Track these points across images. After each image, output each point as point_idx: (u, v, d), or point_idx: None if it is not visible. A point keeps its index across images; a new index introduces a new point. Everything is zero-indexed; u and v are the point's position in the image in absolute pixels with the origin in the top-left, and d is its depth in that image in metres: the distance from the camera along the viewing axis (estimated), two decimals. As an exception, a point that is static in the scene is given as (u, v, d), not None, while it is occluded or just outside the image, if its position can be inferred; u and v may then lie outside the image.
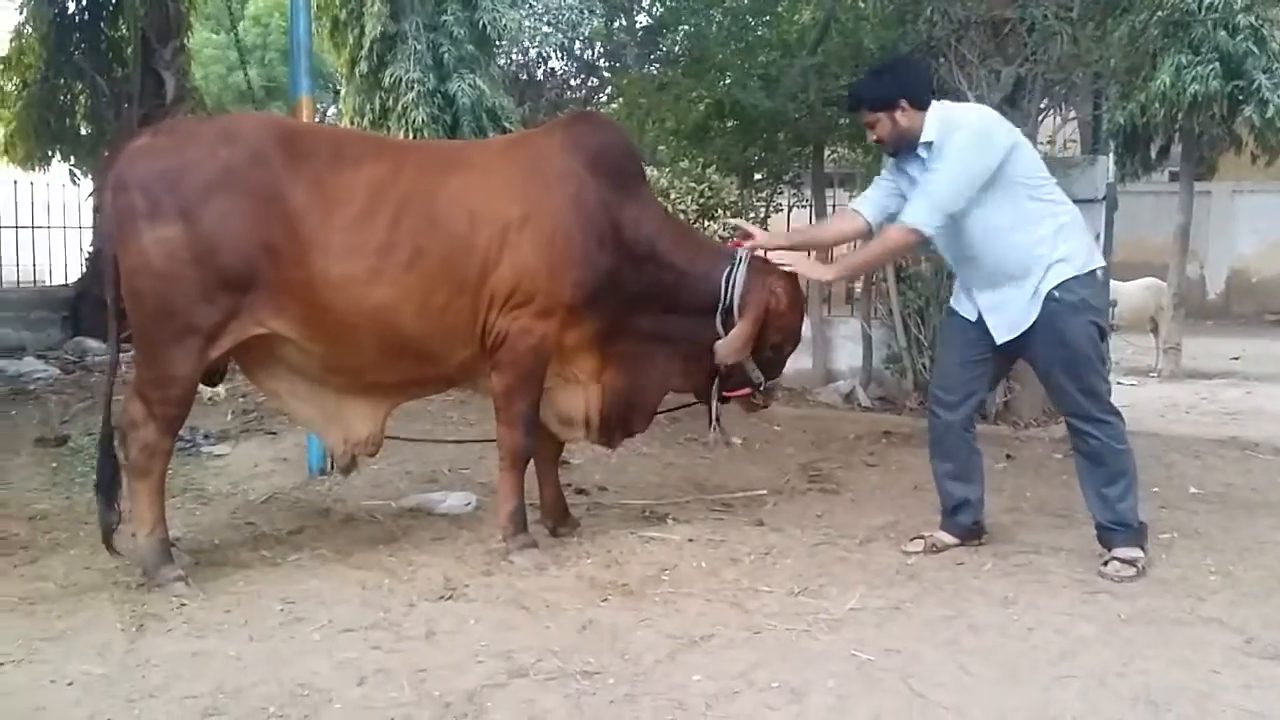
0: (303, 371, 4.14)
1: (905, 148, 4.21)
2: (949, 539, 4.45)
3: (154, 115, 9.70)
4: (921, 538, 4.46)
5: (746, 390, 4.56)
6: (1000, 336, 4.20)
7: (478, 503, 5.02)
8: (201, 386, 4.26)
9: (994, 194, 4.06)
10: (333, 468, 5.31)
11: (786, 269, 4.37)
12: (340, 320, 3.93)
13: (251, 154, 3.86)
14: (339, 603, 3.73)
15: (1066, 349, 4.09)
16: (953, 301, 4.46)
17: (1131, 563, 4.10)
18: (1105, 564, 4.12)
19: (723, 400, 4.56)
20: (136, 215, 3.76)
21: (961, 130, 4.07)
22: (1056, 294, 4.06)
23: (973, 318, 4.29)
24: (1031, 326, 4.12)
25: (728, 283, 4.33)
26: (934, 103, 4.19)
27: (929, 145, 4.11)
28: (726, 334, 4.31)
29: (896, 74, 4.35)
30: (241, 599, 3.76)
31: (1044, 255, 4.08)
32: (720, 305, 4.34)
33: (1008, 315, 4.17)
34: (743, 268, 4.36)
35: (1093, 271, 4.16)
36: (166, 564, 3.88)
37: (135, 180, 3.80)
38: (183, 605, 3.67)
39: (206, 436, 6.18)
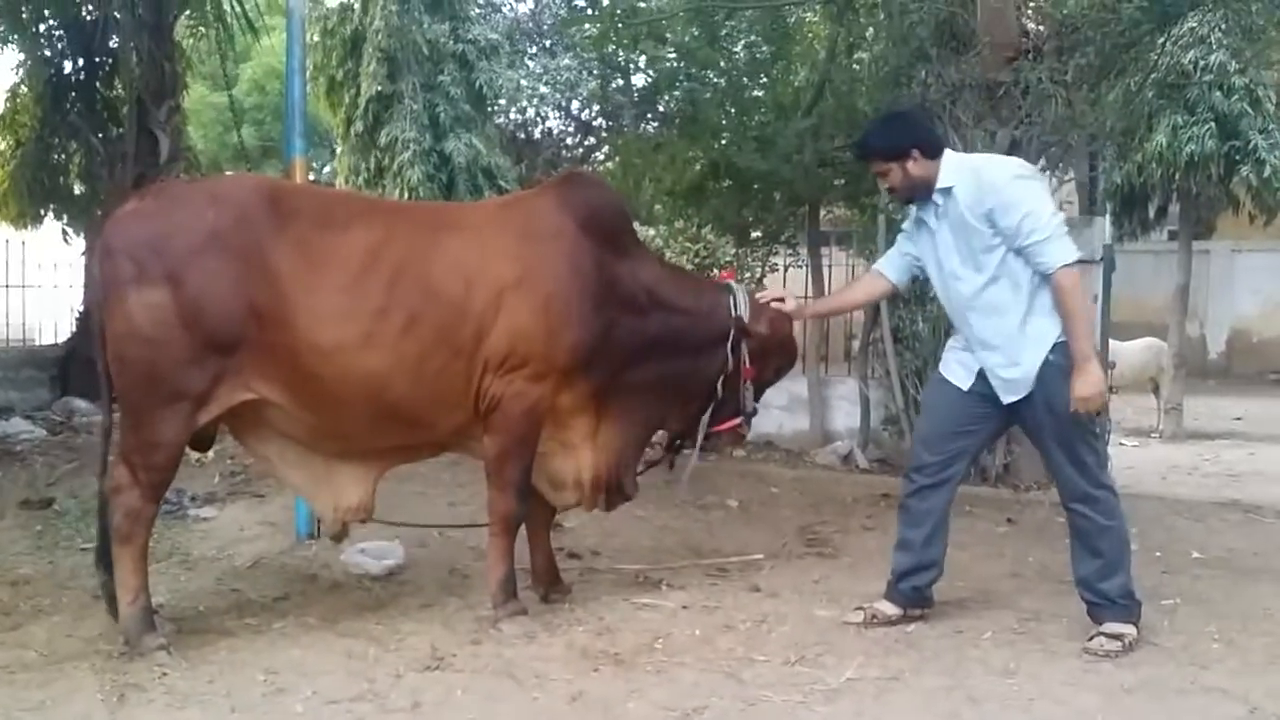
0: (292, 437, 4.09)
1: (920, 196, 4.16)
2: (891, 609, 4.28)
3: (148, 175, 9.71)
4: (862, 608, 4.33)
5: (736, 420, 4.58)
6: (1005, 397, 4.06)
7: (404, 557, 4.99)
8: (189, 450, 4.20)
9: (1009, 250, 3.99)
10: (320, 534, 5.23)
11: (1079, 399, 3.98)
12: (329, 386, 3.88)
13: (237, 216, 3.83)
14: (323, 673, 3.65)
15: (1055, 417, 3.97)
16: (943, 368, 4.31)
17: (1117, 638, 3.96)
18: (1091, 639, 4.00)
19: (710, 435, 4.58)
20: (123, 280, 3.73)
21: (998, 167, 4.06)
22: (1051, 357, 3.96)
23: (965, 386, 4.16)
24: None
25: (733, 308, 4.43)
26: (947, 151, 4.16)
27: (947, 191, 4.05)
28: (735, 362, 4.41)
29: (906, 123, 4.34)
30: (224, 668, 3.69)
31: (1046, 318, 3.98)
32: (730, 333, 4.39)
33: (1011, 378, 4.03)
34: (743, 295, 4.49)
35: None
36: (149, 632, 3.80)
37: (122, 245, 3.79)
38: (164, 675, 3.59)
39: (193, 499, 6.10)
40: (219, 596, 4.57)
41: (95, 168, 10.70)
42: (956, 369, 4.23)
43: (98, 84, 10.80)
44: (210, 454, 5.73)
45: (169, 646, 3.78)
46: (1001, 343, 4.05)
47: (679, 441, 4.71)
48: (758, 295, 4.63)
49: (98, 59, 10.72)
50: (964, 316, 4.18)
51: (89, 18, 10.39)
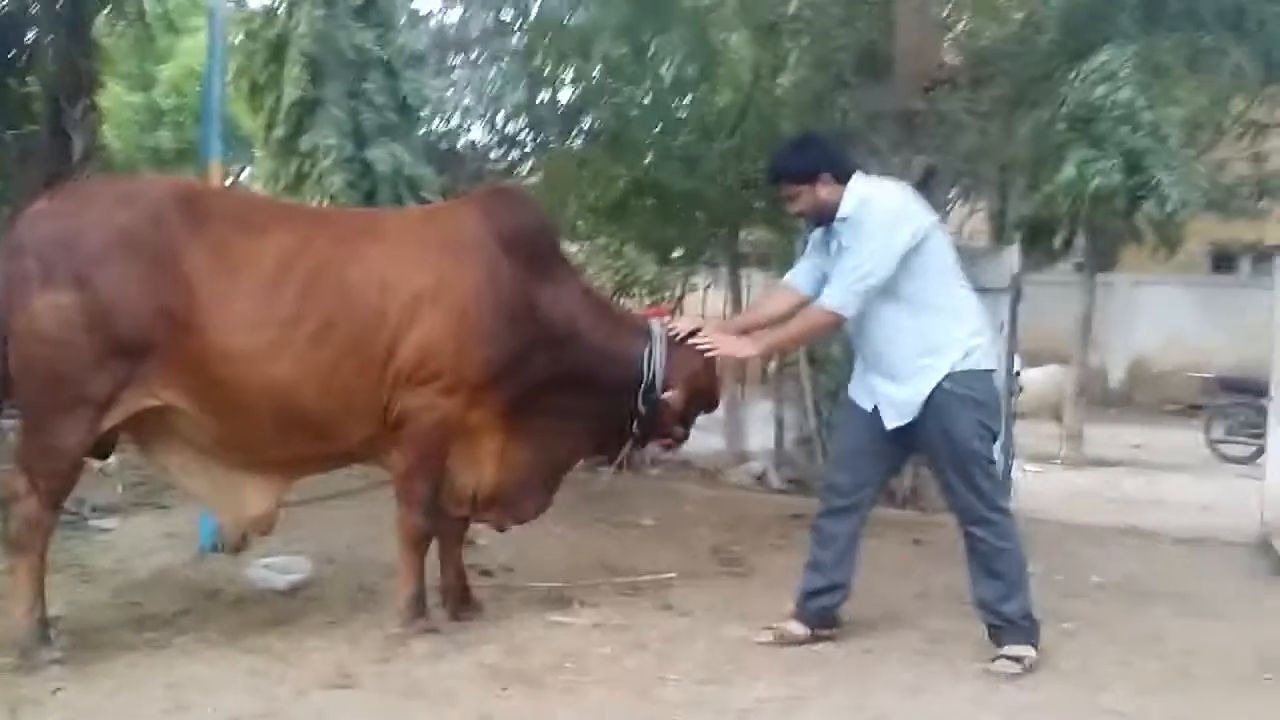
0: (195, 445, 4.00)
1: (828, 219, 4.18)
2: (799, 630, 4.32)
3: (61, 174, 9.48)
4: (771, 628, 4.36)
5: (667, 441, 4.68)
6: (890, 422, 4.14)
7: (311, 572, 4.92)
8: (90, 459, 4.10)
9: (903, 277, 4.04)
10: (223, 546, 5.14)
11: (708, 349, 4.34)
12: (237, 393, 3.82)
13: (150, 217, 3.76)
14: (225, 690, 3.58)
15: (951, 443, 4.06)
16: (850, 390, 4.38)
17: (1018, 660, 4.04)
18: (993, 660, 4.08)
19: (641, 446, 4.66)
20: (29, 279, 3.64)
21: (878, 208, 4.05)
22: (945, 384, 4.03)
23: (869, 408, 4.24)
24: (920, 416, 4.09)
25: (647, 362, 4.33)
26: (857, 175, 4.17)
27: (844, 221, 4.09)
28: (646, 409, 4.32)
29: (818, 146, 4.33)
30: (123, 684, 3.61)
31: (942, 346, 4.06)
32: (641, 383, 4.32)
33: (899, 401, 4.11)
34: (660, 346, 4.36)
35: (987, 371, 4.14)
36: (44, 645, 3.71)
37: (30, 243, 3.70)
38: (59, 690, 3.50)
39: (94, 509, 5.92)
40: (118, 609, 4.46)
41: (6, 165, 10.44)
42: (860, 391, 4.30)
43: (10, 79, 10.54)
44: (113, 462, 5.59)
45: (65, 660, 3.68)
46: (891, 368, 4.13)
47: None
48: (696, 335, 4.40)
49: (11, 53, 10.46)
50: (858, 341, 4.27)
51: (4, 10, 10.12)
